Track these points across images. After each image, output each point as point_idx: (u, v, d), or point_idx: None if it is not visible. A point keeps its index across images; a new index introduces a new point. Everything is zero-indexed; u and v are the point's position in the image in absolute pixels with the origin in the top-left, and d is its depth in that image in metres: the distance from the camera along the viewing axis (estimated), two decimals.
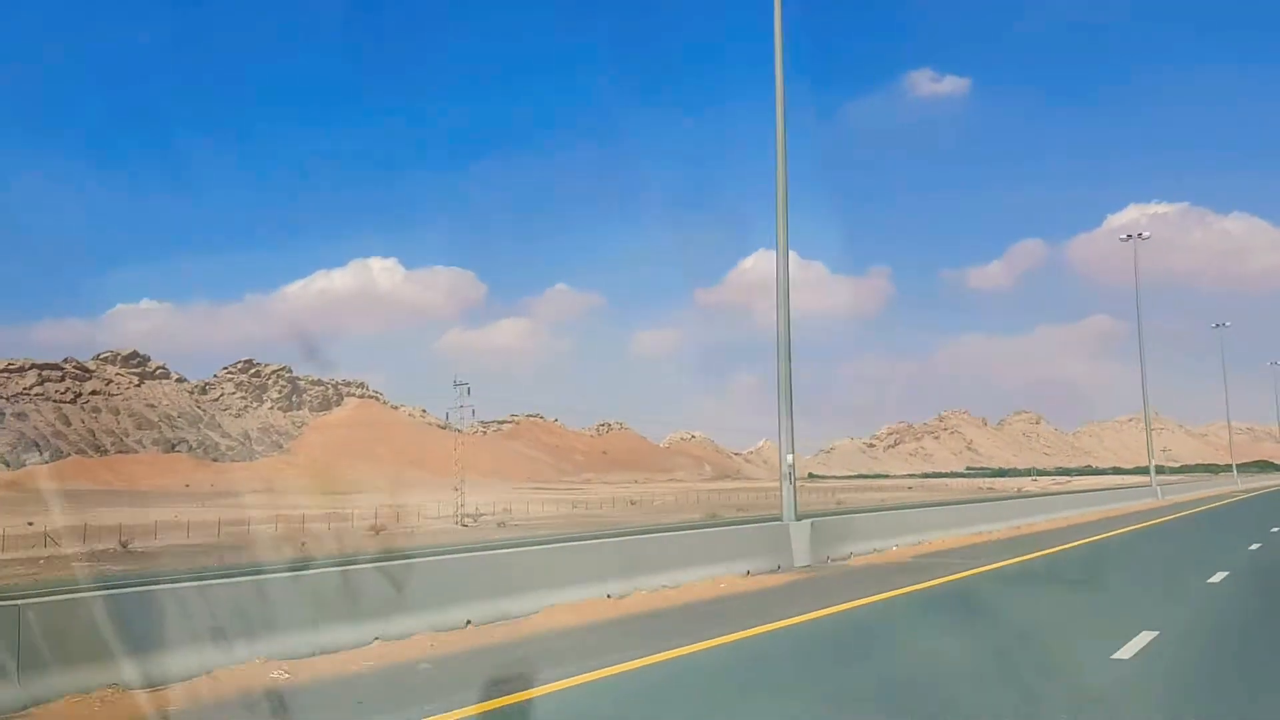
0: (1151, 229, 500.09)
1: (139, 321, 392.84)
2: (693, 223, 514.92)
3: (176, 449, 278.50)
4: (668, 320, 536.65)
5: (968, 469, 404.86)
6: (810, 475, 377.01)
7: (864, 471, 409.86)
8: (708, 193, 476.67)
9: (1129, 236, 62.46)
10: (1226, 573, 16.87)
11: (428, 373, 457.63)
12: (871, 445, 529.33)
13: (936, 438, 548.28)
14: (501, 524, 74.07)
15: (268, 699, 8.35)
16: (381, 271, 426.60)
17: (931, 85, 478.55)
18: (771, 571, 18.12)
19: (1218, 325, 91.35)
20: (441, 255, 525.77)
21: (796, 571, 18.53)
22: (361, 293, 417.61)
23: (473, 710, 7.82)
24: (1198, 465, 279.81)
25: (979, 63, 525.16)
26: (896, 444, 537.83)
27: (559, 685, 8.68)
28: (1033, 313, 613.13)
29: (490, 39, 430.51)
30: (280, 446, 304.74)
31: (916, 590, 15.85)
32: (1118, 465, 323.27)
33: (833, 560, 20.13)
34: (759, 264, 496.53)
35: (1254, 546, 22.89)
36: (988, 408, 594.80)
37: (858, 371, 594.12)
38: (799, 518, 20.17)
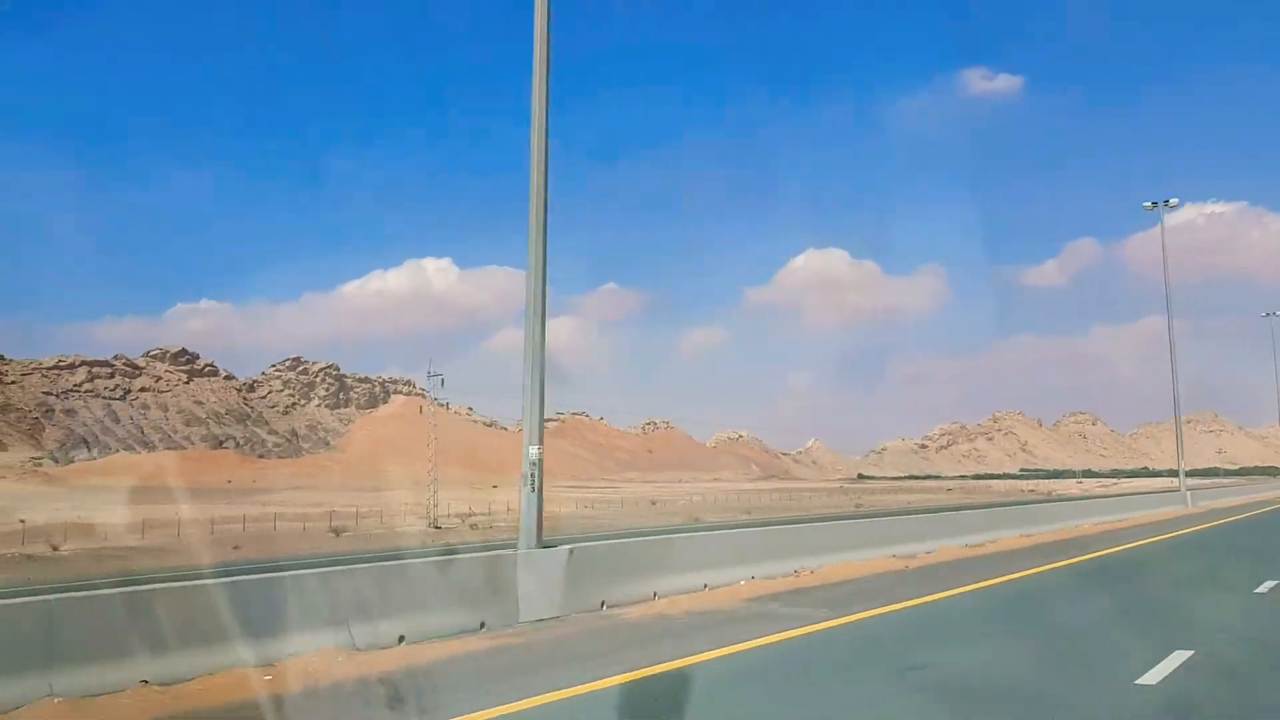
0: (1208, 228, 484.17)
1: (198, 320, 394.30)
2: (743, 221, 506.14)
3: (224, 445, 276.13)
4: (717, 319, 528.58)
5: (1021, 470, 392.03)
6: (860, 476, 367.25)
7: (914, 472, 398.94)
8: (758, 191, 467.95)
9: (1154, 204, 52.70)
10: (1189, 653, 9.64)
11: (480, 371, 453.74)
12: (924, 446, 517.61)
13: (990, 438, 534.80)
14: (474, 526, 67.81)
15: None
16: (436, 271, 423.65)
17: (984, 83, 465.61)
18: (467, 632, 11.23)
19: (1268, 314, 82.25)
20: (495, 255, 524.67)
21: (512, 632, 11.57)
22: (416, 292, 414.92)
23: None
24: (1255, 468, 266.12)
25: (1032, 61, 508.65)
26: (949, 445, 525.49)
27: None
28: (1088, 313, 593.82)
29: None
30: (327, 444, 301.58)
31: (660, 673, 9.01)
32: (1175, 467, 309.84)
33: (609, 607, 13.10)
34: (810, 262, 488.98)
35: (1264, 588, 15.15)
36: (1042, 408, 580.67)
37: (910, 371, 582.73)
38: (549, 544, 13.23)
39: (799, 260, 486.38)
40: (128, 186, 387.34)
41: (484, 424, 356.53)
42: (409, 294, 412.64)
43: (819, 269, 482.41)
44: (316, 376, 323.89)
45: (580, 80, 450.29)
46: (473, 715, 7.66)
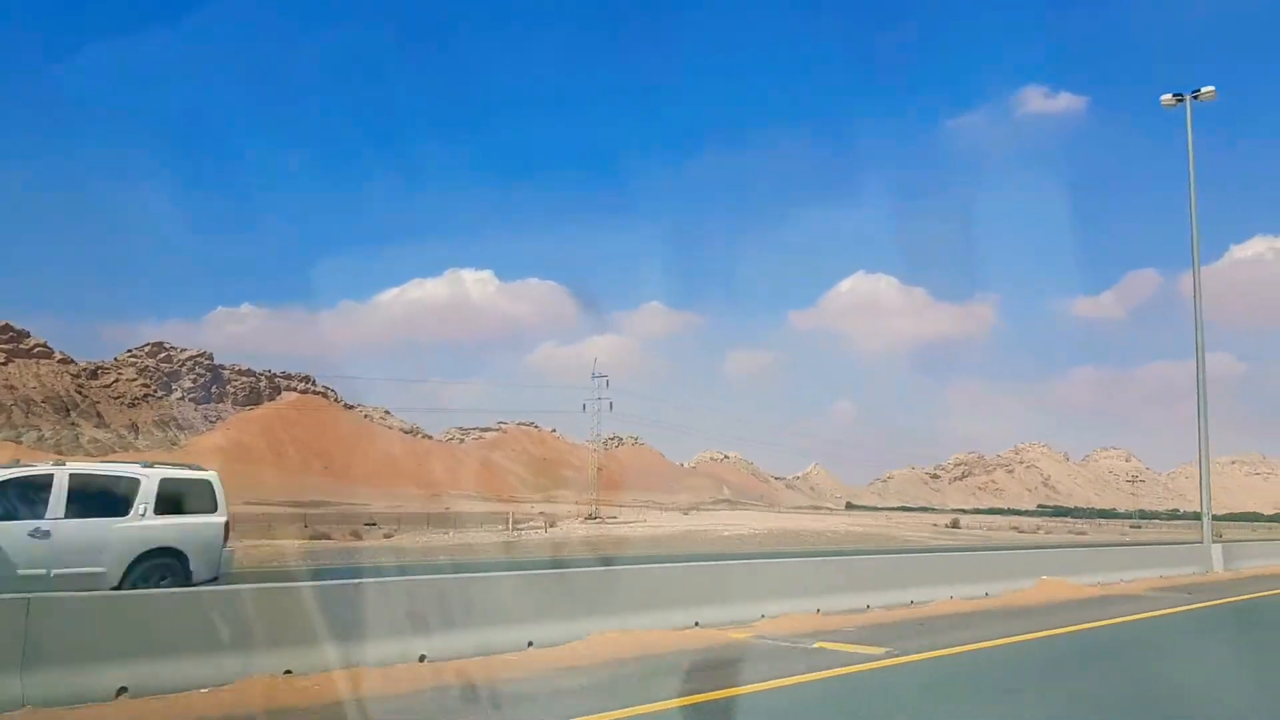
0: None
1: (235, 325, 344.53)
2: (791, 243, 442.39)
3: (21, 440, 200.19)
4: (759, 343, 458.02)
5: (1039, 507, 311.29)
6: (848, 506, 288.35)
7: (915, 504, 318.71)
8: (808, 212, 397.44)
9: (1176, 97, 31.11)
10: None
11: (519, 384, 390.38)
12: (935, 476, 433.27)
13: (1010, 471, 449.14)
14: None
15: None
16: (475, 283, 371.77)
17: (1044, 102, 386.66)
18: None
19: None
20: (536, 268, 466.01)
21: None
22: (455, 303, 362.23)
23: None
24: None
25: (1097, 80, 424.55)
26: (964, 476, 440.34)
27: None
28: (1146, 347, 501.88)
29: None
30: (175, 444, 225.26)
31: None
32: (1213, 511, 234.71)
33: None
34: (856, 286, 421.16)
35: None
36: (1072, 443, 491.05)
37: (940, 400, 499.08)
38: None
39: (845, 284, 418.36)
40: (194, 188, 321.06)
41: (402, 430, 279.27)
42: (447, 304, 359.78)
43: (866, 293, 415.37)
44: (182, 365, 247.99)
45: (655, 90, 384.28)
46: None
